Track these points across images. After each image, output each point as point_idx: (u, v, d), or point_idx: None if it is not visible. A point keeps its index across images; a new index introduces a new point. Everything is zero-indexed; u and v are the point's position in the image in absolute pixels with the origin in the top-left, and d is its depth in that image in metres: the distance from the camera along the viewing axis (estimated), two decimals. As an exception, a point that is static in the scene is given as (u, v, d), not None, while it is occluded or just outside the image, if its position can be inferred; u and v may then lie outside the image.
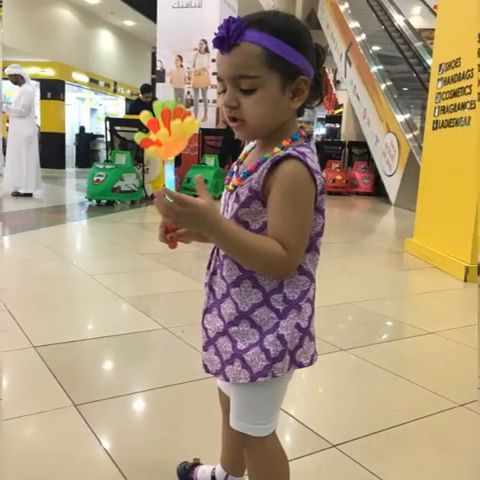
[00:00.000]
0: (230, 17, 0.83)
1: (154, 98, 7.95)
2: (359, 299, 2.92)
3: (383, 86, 9.51)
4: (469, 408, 1.67)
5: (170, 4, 8.78)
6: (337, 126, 20.00)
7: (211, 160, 7.97)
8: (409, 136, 8.49)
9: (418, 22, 12.14)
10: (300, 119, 0.96)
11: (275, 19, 0.84)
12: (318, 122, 25.24)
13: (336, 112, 21.88)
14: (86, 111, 18.58)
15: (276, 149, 0.87)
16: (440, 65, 4.07)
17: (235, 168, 0.97)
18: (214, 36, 0.83)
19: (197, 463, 1.25)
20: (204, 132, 8.34)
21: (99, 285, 2.93)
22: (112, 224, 5.49)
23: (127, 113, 11.34)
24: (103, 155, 11.99)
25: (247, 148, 0.99)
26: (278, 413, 0.97)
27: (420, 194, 4.43)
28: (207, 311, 0.96)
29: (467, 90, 3.64)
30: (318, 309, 0.96)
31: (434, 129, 4.16)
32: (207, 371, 0.97)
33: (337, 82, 20.72)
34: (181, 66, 8.95)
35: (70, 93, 16.14)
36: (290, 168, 0.83)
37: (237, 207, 0.88)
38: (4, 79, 8.28)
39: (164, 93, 8.91)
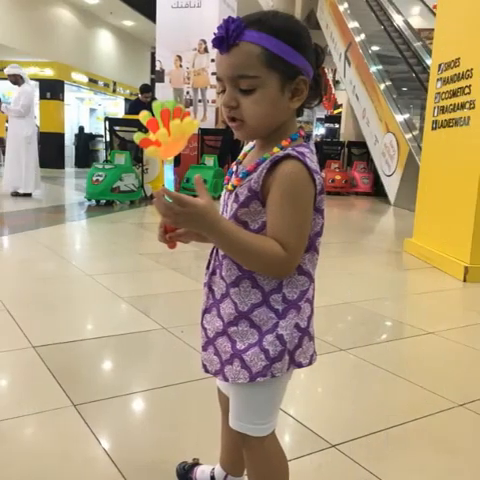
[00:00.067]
0: (229, 17, 0.83)
1: (153, 98, 7.96)
2: (358, 299, 2.92)
3: (382, 86, 9.51)
4: (468, 408, 1.67)
5: (169, 4, 8.78)
6: (336, 126, 20.04)
7: (210, 160, 7.97)
8: (408, 136, 8.50)
9: (417, 22, 12.15)
10: (299, 119, 0.96)
11: (274, 19, 0.84)
12: (317, 122, 25.27)
13: (335, 112, 21.89)
14: (85, 111, 18.59)
15: (275, 149, 0.87)
16: (439, 65, 4.07)
17: (234, 168, 0.96)
18: (213, 36, 0.83)
19: (196, 463, 1.25)
20: (203, 132, 8.34)
21: (98, 285, 2.93)
22: (111, 224, 5.49)
23: (126, 113, 11.34)
24: (102, 155, 11.99)
25: (246, 148, 0.99)
26: (277, 413, 0.97)
27: (419, 194, 4.43)
28: (206, 311, 0.96)
29: (466, 90, 3.64)
30: (317, 309, 0.96)
31: (433, 129, 4.16)
32: (206, 371, 0.97)
33: (336, 82, 20.73)
34: (180, 66, 8.95)
35: (69, 93, 16.15)
36: (289, 168, 0.83)
37: (236, 207, 0.88)
38: (3, 79, 8.27)
39: (163, 93, 8.92)
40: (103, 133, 7.73)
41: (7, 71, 7.03)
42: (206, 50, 8.63)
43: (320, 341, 1.82)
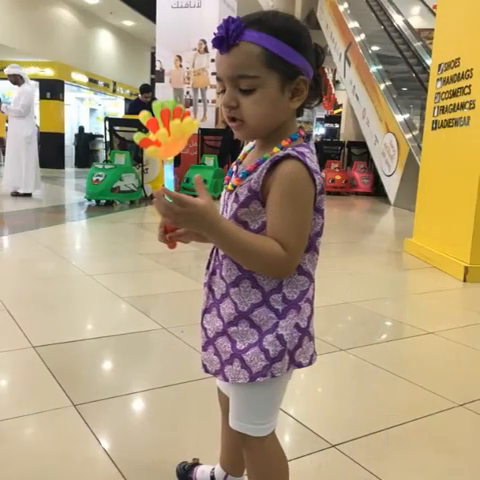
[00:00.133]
0: (229, 17, 0.83)
1: (153, 98, 7.96)
2: (358, 299, 2.92)
3: (382, 86, 9.51)
4: (468, 408, 1.67)
5: (169, 4, 8.78)
6: (336, 126, 20.03)
7: (210, 160, 7.97)
8: (408, 136, 8.50)
9: (417, 22, 12.15)
10: (299, 119, 0.96)
11: (274, 19, 0.84)
12: (317, 122, 25.27)
13: (335, 112, 21.89)
14: (85, 111, 18.59)
15: (275, 149, 0.87)
16: (439, 65, 4.07)
17: (234, 168, 0.96)
18: (213, 36, 0.83)
19: (196, 463, 1.25)
20: (203, 132, 8.34)
21: (98, 285, 2.93)
22: (111, 224, 5.49)
23: (126, 113, 11.34)
24: (102, 155, 11.99)
25: (246, 148, 0.99)
26: (277, 413, 0.97)
27: (419, 194, 4.43)
28: (206, 311, 0.96)
29: (466, 90, 3.64)
30: (317, 309, 0.96)
31: (433, 129, 4.16)
32: (206, 371, 0.97)
33: (336, 82, 20.73)
34: (180, 66, 8.95)
35: (69, 93, 16.15)
36: (289, 168, 0.83)
37: (236, 207, 0.88)
38: (3, 79, 8.27)
39: (163, 93, 8.92)
40: (103, 133, 7.73)
41: (7, 71, 7.03)
42: (206, 50, 8.63)
43: (320, 341, 1.82)
